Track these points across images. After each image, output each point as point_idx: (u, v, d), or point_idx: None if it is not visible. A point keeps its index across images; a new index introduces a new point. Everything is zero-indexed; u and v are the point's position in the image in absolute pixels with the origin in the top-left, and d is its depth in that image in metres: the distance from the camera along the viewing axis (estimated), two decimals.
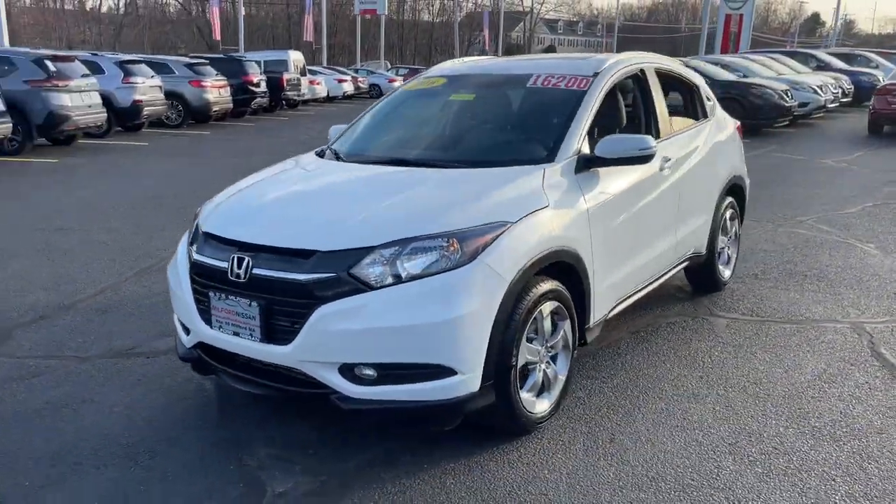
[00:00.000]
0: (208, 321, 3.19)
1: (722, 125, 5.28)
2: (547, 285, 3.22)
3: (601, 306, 3.73)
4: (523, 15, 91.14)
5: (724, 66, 18.79)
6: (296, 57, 26.56)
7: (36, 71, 12.68)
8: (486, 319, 2.91)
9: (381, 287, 2.85)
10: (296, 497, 2.86)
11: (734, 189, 5.37)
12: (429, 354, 2.85)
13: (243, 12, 34.86)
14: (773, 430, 3.37)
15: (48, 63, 12.84)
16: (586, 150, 3.66)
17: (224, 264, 3.10)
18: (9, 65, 12.69)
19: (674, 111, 5.08)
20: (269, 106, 22.96)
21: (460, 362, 2.87)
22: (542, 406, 3.33)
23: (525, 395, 3.21)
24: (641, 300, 5.04)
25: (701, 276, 5.27)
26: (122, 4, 64.52)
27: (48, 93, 12.59)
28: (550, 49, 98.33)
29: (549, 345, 3.34)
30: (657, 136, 4.35)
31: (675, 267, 4.68)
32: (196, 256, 3.29)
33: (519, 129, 4.05)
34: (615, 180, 3.77)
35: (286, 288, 2.92)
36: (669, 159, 4.30)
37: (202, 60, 19.58)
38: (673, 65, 4.97)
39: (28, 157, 12.59)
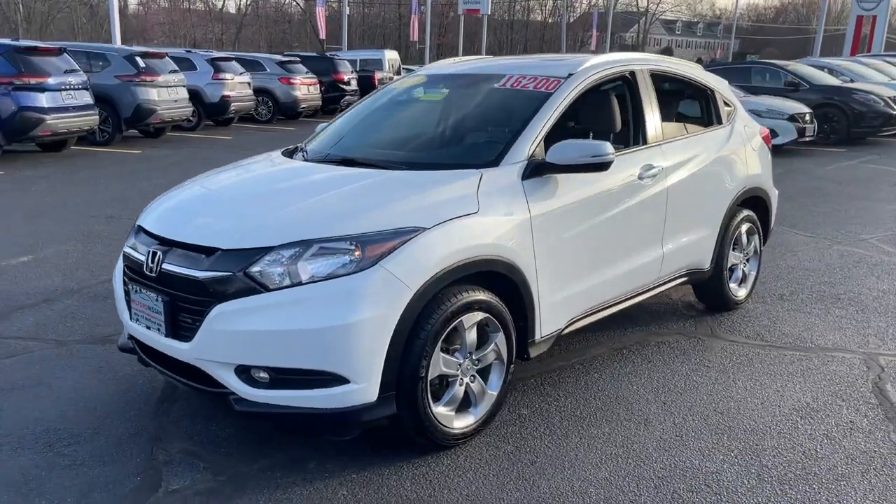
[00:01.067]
0: (131, 314, 3.24)
1: (742, 133, 4.91)
2: (472, 295, 3.07)
3: (552, 320, 3.54)
4: (638, 16, 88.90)
5: (831, 70, 17.66)
6: (391, 56, 26.97)
7: (127, 66, 13.41)
8: (384, 328, 2.80)
9: (278, 289, 2.79)
10: (186, 495, 2.84)
11: (752, 202, 4.99)
12: (320, 361, 2.77)
13: (347, 12, 35.69)
14: (714, 467, 3.09)
15: (138, 59, 13.54)
16: (542, 155, 3.47)
17: (143, 258, 3.13)
18: (103, 60, 13.49)
19: (681, 116, 4.78)
20: None
21: (353, 371, 2.78)
22: (463, 422, 3.19)
23: (440, 410, 3.08)
24: (639, 315, 4.80)
25: (708, 294, 4.94)
26: (243, 4, 67.48)
27: (137, 87, 13.28)
28: (667, 51, 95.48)
29: (474, 358, 3.19)
30: (642, 142, 4.10)
31: (666, 283, 4.39)
32: (126, 248, 3.35)
33: (475, 132, 3.90)
34: (576, 188, 3.57)
35: (187, 285, 2.92)
36: (653, 167, 4.03)
37: (294, 58, 20.14)
38: (679, 68, 4.66)
39: (116, 147, 13.32)
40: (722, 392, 3.80)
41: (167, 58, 14.58)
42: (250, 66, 18.53)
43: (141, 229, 3.31)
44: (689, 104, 4.94)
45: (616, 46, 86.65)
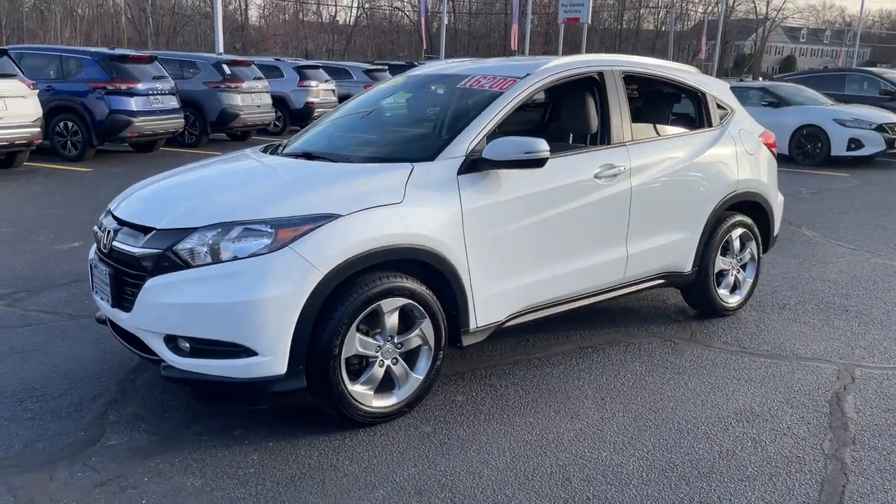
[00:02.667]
0: (93, 286, 3.60)
1: (734, 136, 4.82)
2: (393, 281, 3.25)
3: (488, 312, 3.65)
4: (757, 23, 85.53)
5: None
6: None
7: (214, 73, 14.28)
8: (290, 306, 3.01)
9: (198, 266, 3.06)
10: (118, 450, 3.15)
11: (746, 206, 4.90)
12: (231, 333, 3.01)
13: (445, 21, 36.35)
14: (620, 460, 3.12)
15: (225, 66, 14.40)
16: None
17: (102, 236, 3.49)
18: (194, 68, 14.42)
19: (662, 118, 4.77)
20: None
21: (261, 344, 3.01)
22: (384, 402, 3.36)
23: (357, 388, 3.26)
24: (622, 315, 4.83)
25: (694, 299, 4.88)
26: (354, 15, 69.75)
27: (222, 93, 14.13)
28: (789, 60, 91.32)
29: (396, 341, 3.36)
30: (606, 142, 4.14)
31: (636, 284, 4.39)
32: (94, 227, 3.72)
33: (425, 129, 4.07)
34: (520, 184, 3.67)
35: (127, 260, 3.24)
36: (614, 167, 4.06)
37: (381, 67, 20.77)
38: (663, 71, 4.65)
39: (202, 148, 14.19)
40: (667, 393, 3.79)
41: (253, 65, 15.41)
42: (337, 73, 19.26)
43: (108, 212, 3.68)
44: (676, 106, 4.91)
45: (731, 55, 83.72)
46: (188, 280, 3.06)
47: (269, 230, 3.07)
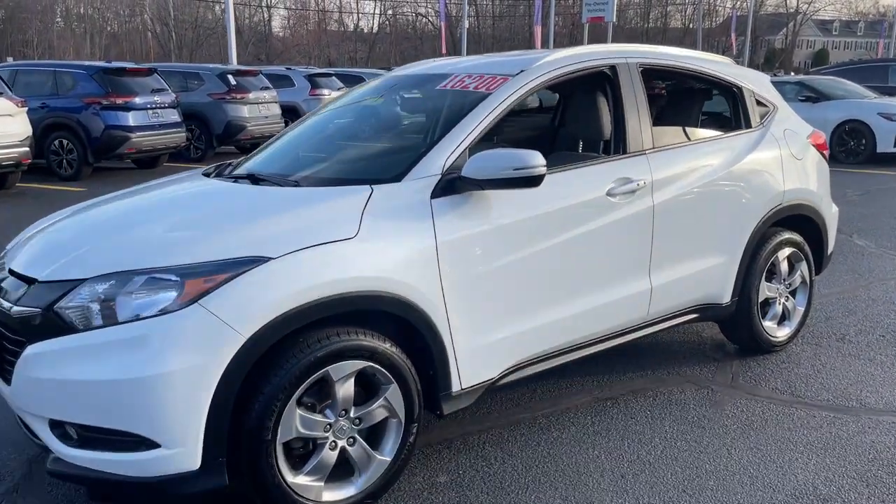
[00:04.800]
0: None
1: (779, 138, 4.01)
2: (346, 340, 2.51)
3: (477, 369, 2.90)
4: (787, 17, 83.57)
5: None
6: None
7: (219, 84, 13.70)
8: (201, 382, 2.29)
9: (87, 329, 2.36)
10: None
11: (795, 222, 4.08)
12: (122, 420, 2.30)
13: (467, 25, 35.63)
14: None
15: (230, 77, 13.81)
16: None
17: None
18: (198, 80, 13.87)
19: (691, 119, 3.98)
20: None
21: (162, 433, 2.29)
22: (339, 494, 2.62)
23: (300, 480, 2.52)
24: (650, 353, 4.06)
25: (735, 333, 4.08)
26: (377, 23, 69.40)
27: (227, 104, 13.55)
28: (821, 53, 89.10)
29: (353, 416, 2.62)
30: (622, 150, 3.37)
31: (664, 321, 3.61)
32: None
33: (393, 141, 3.33)
34: (513, 208, 2.92)
35: (4, 320, 2.55)
36: (632, 181, 3.29)
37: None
38: (689, 62, 3.85)
39: (209, 162, 13.55)
40: (706, 466, 3.00)
41: (261, 75, 14.81)
42: (351, 81, 18.58)
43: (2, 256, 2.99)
44: (707, 105, 4.12)
45: (761, 51, 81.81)
46: (71, 349, 2.35)
47: (175, 280, 2.35)
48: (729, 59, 4.33)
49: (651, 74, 3.70)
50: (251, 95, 13.96)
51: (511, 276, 2.94)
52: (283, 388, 2.41)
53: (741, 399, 3.60)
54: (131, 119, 11.36)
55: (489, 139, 3.22)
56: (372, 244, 2.59)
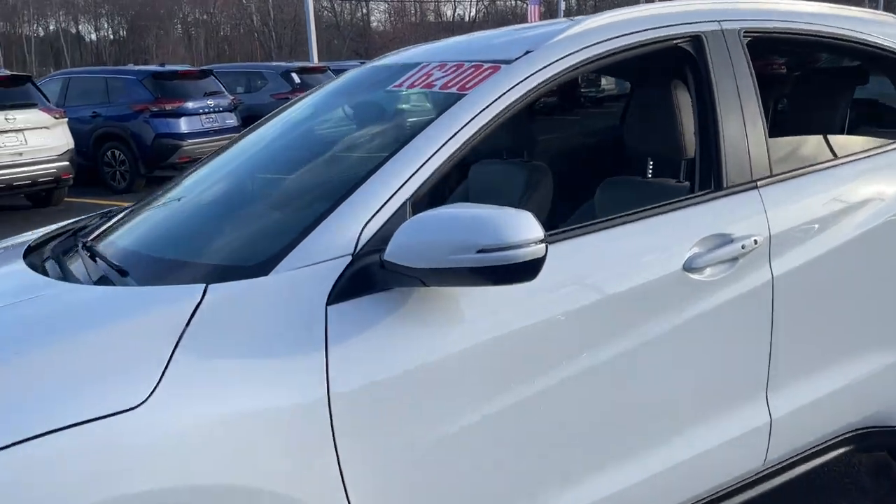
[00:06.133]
0: None
1: None
2: None
3: None
4: None
5: None
6: None
7: (282, 84, 12.79)
8: None
9: None
10: None
11: None
12: None
13: (563, 7, 33.71)
14: None
15: (294, 75, 12.87)
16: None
17: None
18: (261, 79, 13.03)
19: (829, 120, 2.46)
20: None
21: None
22: None
23: None
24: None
25: None
26: (475, 12, 68.09)
27: None
28: None
29: None
30: (714, 180, 1.92)
31: (788, 469, 2.14)
32: None
33: (287, 192, 1.94)
34: (488, 312, 1.56)
35: None
36: (735, 239, 1.84)
37: None
38: (834, 23, 2.30)
39: None
40: None
41: (329, 71, 13.79)
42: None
43: None
44: (859, 92, 2.57)
45: None
46: None
47: None
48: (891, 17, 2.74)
49: (765, 47, 2.22)
50: None
51: (498, 443, 1.58)
52: None
53: None
54: (183, 125, 10.54)
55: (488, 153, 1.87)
56: (184, 414, 1.29)
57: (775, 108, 2.54)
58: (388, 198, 1.54)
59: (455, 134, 1.63)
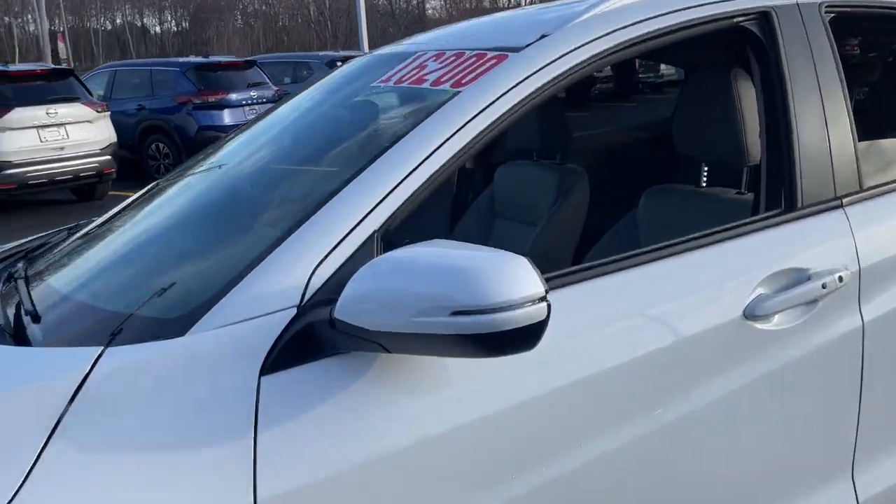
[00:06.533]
0: None
1: None
2: None
3: None
4: None
5: None
6: None
7: (328, 73, 12.55)
8: None
9: None
10: None
11: None
12: None
13: None
14: None
15: (339, 65, 12.57)
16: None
17: None
18: (307, 69, 12.87)
19: None
20: None
21: None
22: None
23: None
24: None
25: None
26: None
27: None
28: None
29: None
30: (785, 202, 1.49)
31: None
32: None
33: (238, 222, 1.54)
34: (473, 382, 1.18)
35: None
36: (813, 275, 1.42)
37: None
38: None
39: None
40: None
41: None
42: None
43: None
44: None
45: None
46: None
47: None
48: None
49: (851, 26, 1.77)
50: None
51: None
52: None
53: None
54: (226, 117, 10.38)
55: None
56: None
57: (862, 103, 2.10)
58: (349, 229, 1.17)
59: (443, 143, 1.26)
